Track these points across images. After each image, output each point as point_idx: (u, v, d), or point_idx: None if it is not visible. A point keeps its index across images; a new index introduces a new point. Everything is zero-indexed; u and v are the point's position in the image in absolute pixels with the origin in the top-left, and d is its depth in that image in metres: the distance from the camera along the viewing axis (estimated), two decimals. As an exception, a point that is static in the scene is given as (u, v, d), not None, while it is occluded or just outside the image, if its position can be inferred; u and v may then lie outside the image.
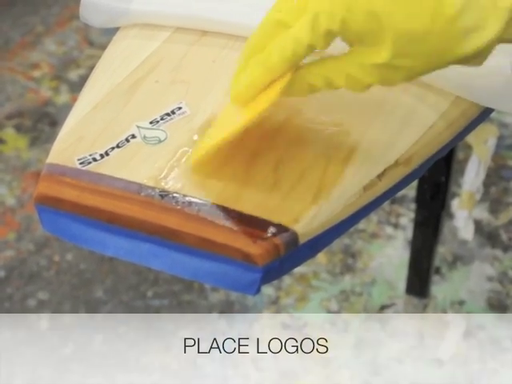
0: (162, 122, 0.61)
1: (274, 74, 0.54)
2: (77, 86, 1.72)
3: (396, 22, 0.49)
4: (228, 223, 0.54)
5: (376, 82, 0.52)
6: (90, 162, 0.59)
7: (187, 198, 0.55)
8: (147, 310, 1.33)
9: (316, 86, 0.54)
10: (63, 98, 1.71)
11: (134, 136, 0.61)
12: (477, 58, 0.52)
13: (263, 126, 0.60)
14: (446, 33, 0.50)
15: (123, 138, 0.60)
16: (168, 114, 0.62)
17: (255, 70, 0.54)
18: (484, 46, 0.50)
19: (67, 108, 1.64)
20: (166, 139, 0.60)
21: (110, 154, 0.59)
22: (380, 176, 0.57)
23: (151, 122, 0.62)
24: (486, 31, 0.50)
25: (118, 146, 0.60)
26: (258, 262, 0.53)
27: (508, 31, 0.50)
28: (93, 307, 1.34)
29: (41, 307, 1.33)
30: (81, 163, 0.59)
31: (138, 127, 0.61)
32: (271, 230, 0.53)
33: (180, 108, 0.62)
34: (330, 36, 0.51)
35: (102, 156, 0.59)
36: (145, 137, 0.61)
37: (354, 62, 0.52)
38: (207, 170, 0.57)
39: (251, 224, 0.54)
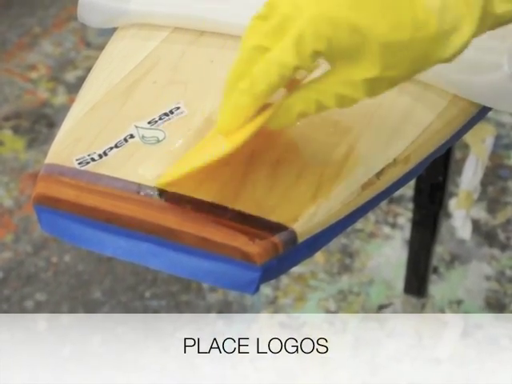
0: (160, 121, 0.61)
1: (260, 101, 0.52)
2: (74, 87, 1.72)
3: (380, 35, 0.49)
4: (226, 222, 0.54)
5: (365, 96, 0.52)
6: (88, 162, 0.59)
7: (186, 198, 0.55)
8: (145, 310, 1.33)
9: (306, 112, 0.53)
10: (60, 99, 1.71)
11: (132, 136, 0.61)
12: (456, 56, 0.52)
13: (262, 126, 0.60)
14: (428, 38, 0.50)
15: (121, 137, 0.60)
16: (166, 114, 0.62)
17: (240, 99, 0.52)
18: (463, 45, 0.51)
19: (64, 109, 1.64)
20: (164, 139, 0.60)
21: (109, 154, 0.59)
22: (378, 174, 0.57)
23: (149, 122, 0.62)
24: (463, 31, 0.50)
25: (116, 146, 0.60)
26: (257, 261, 0.53)
27: (482, 27, 0.51)
28: (91, 308, 1.33)
29: (38, 308, 1.33)
30: (79, 163, 0.59)
31: (137, 127, 0.61)
32: (270, 228, 0.53)
33: (178, 108, 0.62)
34: (315, 56, 0.50)
35: (100, 156, 0.59)
36: (143, 137, 0.61)
37: (342, 80, 0.51)
38: (172, 188, 0.56)
39: (250, 223, 0.54)
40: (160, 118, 0.62)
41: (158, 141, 0.60)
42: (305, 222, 0.54)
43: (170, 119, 0.61)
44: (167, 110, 0.62)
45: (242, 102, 0.52)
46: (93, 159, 0.59)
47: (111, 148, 0.60)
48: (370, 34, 0.49)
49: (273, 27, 0.51)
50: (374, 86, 0.51)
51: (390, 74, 0.51)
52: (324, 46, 0.49)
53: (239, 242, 0.53)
